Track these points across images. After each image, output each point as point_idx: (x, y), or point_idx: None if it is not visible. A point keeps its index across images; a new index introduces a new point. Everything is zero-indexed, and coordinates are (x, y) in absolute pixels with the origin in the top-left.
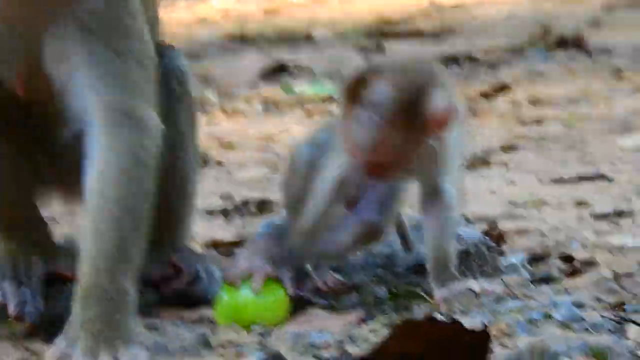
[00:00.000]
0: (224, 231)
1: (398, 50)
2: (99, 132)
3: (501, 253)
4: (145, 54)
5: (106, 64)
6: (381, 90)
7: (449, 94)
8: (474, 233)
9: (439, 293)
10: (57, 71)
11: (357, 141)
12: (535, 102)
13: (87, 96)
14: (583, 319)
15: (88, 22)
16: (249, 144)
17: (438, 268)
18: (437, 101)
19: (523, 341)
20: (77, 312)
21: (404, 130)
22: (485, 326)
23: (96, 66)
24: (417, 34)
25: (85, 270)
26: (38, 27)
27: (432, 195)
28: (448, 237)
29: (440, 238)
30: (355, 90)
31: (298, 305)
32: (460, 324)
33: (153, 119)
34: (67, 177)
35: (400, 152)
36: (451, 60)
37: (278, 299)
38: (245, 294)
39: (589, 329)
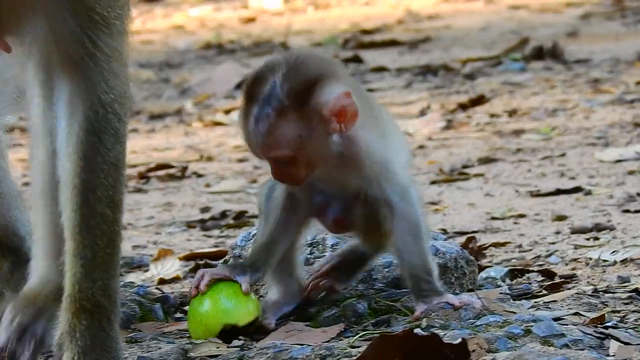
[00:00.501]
0: (203, 243)
1: (375, 60)
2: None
3: (480, 267)
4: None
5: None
6: (273, 83)
7: (344, 88)
8: (452, 247)
9: (418, 308)
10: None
11: (250, 137)
12: (512, 113)
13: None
14: (563, 335)
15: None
16: (227, 155)
17: (416, 284)
18: (329, 93)
19: (502, 356)
20: (64, 323)
21: (297, 123)
22: (464, 341)
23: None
24: (393, 44)
25: (69, 280)
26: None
27: (388, 211)
28: (418, 252)
29: (410, 254)
30: (251, 88)
31: (279, 320)
32: (439, 338)
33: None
34: None
35: (299, 150)
36: (428, 70)
37: (238, 298)
38: (206, 302)
39: (569, 344)
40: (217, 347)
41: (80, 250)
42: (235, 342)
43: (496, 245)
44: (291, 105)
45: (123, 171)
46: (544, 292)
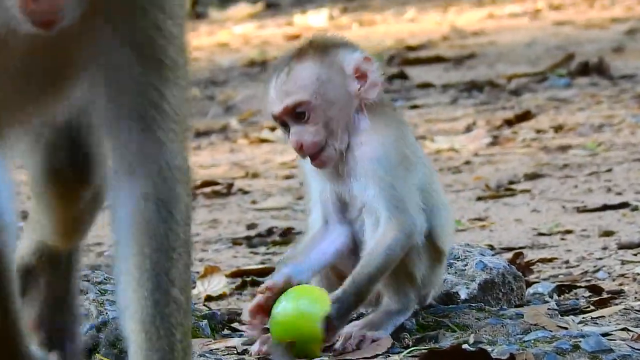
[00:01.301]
0: (249, 260)
1: (420, 76)
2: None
3: (527, 283)
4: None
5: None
6: (295, 49)
7: (367, 54)
8: (499, 262)
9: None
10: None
11: (271, 91)
12: (558, 129)
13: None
14: (612, 350)
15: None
16: (273, 172)
17: (347, 291)
18: (351, 53)
19: None
20: None
21: (316, 68)
22: (513, 356)
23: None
24: (438, 60)
25: None
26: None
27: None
28: (370, 271)
29: (365, 266)
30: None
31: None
32: (488, 354)
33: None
34: None
35: (317, 95)
36: (473, 86)
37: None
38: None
39: None
40: None
41: (154, 344)
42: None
43: (543, 261)
44: (311, 53)
45: (192, 249)
46: (592, 307)
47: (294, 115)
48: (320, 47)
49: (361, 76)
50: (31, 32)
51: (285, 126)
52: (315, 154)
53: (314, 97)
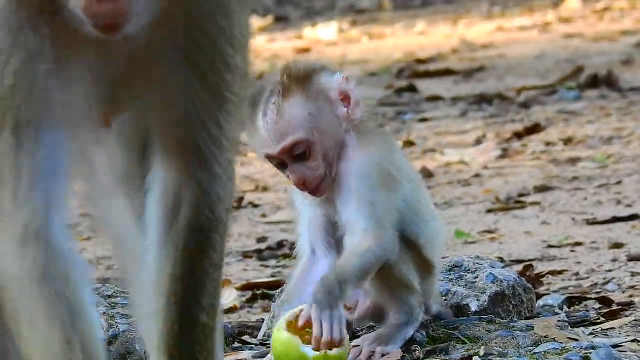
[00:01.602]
0: (259, 273)
1: (430, 89)
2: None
3: (538, 295)
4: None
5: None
6: (273, 84)
7: (342, 74)
8: (510, 274)
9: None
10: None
11: (263, 132)
12: (568, 142)
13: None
14: None
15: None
16: (283, 185)
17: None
18: (330, 77)
19: None
20: None
21: (304, 103)
22: None
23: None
24: (448, 73)
25: None
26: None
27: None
28: (352, 265)
29: (345, 260)
30: (255, 99)
31: None
32: None
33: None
34: None
35: (312, 131)
36: (483, 99)
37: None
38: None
39: None
40: None
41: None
42: None
43: (553, 273)
44: (295, 88)
45: (222, 274)
46: (602, 319)
47: (292, 154)
48: (302, 79)
49: (345, 98)
50: (95, 35)
51: (282, 164)
52: (316, 187)
53: (310, 134)
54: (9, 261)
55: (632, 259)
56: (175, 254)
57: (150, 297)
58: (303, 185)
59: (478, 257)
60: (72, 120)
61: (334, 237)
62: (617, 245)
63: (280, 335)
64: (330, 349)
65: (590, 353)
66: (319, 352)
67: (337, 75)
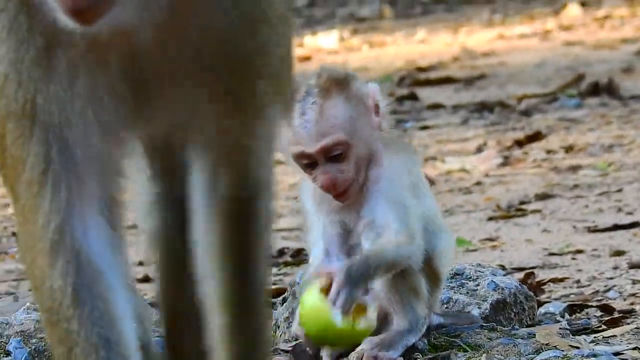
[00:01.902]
0: None
1: (430, 97)
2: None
3: (539, 302)
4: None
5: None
6: (308, 86)
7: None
8: (511, 282)
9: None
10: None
11: (301, 130)
12: (569, 149)
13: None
14: None
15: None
16: (284, 193)
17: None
18: (364, 86)
19: None
20: None
21: (345, 105)
22: None
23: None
24: (449, 81)
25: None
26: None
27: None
28: (378, 253)
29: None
30: None
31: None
32: None
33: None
34: None
35: (352, 133)
36: (483, 107)
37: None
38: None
39: None
40: None
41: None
42: None
43: (554, 280)
44: (335, 90)
45: (270, 242)
46: (603, 327)
47: (328, 154)
48: (342, 82)
49: (376, 107)
50: (72, 27)
51: (310, 164)
52: (344, 191)
53: (350, 136)
54: (42, 276)
55: (633, 266)
56: (222, 218)
57: (204, 259)
58: (332, 187)
59: (479, 264)
60: (103, 131)
61: (348, 245)
62: (618, 253)
63: (311, 298)
64: (358, 321)
65: None
66: (346, 323)
67: (371, 84)
